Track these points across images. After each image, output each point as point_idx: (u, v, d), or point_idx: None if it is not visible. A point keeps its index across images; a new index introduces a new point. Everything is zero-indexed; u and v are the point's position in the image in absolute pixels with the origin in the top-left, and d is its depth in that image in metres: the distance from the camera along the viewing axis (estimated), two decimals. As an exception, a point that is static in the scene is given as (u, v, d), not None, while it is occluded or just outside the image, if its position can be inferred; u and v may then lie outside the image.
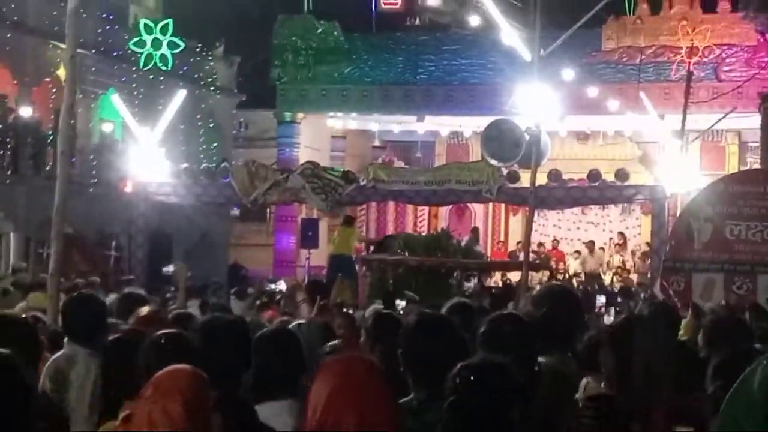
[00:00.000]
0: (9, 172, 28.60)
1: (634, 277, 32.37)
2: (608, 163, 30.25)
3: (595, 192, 27.18)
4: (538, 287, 14.10)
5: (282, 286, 25.44)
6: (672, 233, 16.10)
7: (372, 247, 28.83)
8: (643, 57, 32.49)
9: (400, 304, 13.72)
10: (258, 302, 16.69)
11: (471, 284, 22.21)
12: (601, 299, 20.11)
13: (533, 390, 5.00)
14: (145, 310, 8.10)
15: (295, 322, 7.45)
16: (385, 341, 5.94)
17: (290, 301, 13.47)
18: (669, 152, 28.04)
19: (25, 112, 29.28)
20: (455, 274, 20.93)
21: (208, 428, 3.71)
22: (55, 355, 6.59)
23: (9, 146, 28.88)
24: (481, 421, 4.06)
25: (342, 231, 27.88)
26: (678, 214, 20.92)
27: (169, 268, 25.11)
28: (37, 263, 28.29)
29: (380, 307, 10.23)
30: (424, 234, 32.49)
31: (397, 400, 3.74)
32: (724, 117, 29.74)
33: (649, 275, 30.38)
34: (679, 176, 26.90)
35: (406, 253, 19.99)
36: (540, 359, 5.40)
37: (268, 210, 36.54)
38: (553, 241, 36.26)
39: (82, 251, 26.55)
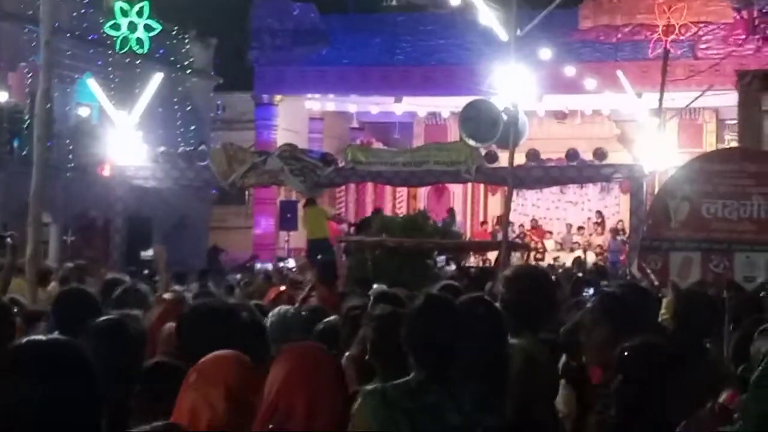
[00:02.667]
0: (-15, 158, 28.50)
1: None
2: (586, 142, 30.30)
3: (573, 171, 27.23)
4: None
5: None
6: (649, 212, 16.12)
7: (351, 227, 28.81)
8: (619, 36, 32.56)
9: (380, 288, 13.65)
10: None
11: (452, 266, 22.22)
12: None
13: (503, 372, 5.04)
14: (168, 295, 8.15)
15: (288, 308, 7.43)
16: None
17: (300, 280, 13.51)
18: (647, 131, 28.10)
19: (1, 96, 29.16)
20: (434, 255, 20.91)
21: (250, 413, 3.72)
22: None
23: (-15, 131, 28.79)
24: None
25: (308, 214, 27.72)
26: (655, 193, 20.99)
27: (148, 253, 25.08)
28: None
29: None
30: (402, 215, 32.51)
31: (348, 391, 3.77)
32: (701, 95, 29.84)
33: (617, 252, 30.59)
34: (657, 154, 26.98)
35: (384, 235, 19.94)
36: (511, 341, 5.42)
37: (246, 193, 36.48)
38: (531, 220, 36.33)
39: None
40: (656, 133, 27.46)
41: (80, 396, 2.89)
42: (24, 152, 27.75)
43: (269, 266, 27.31)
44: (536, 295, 5.77)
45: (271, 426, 3.64)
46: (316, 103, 36.90)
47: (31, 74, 29.15)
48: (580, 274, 20.02)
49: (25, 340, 3.01)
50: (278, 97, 35.45)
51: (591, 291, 14.11)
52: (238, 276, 21.77)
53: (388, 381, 4.69)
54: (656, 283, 12.87)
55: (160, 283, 9.00)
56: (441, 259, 21.74)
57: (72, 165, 30.85)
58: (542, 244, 34.67)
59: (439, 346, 4.73)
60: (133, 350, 4.71)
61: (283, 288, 11.12)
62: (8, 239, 10.02)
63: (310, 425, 3.55)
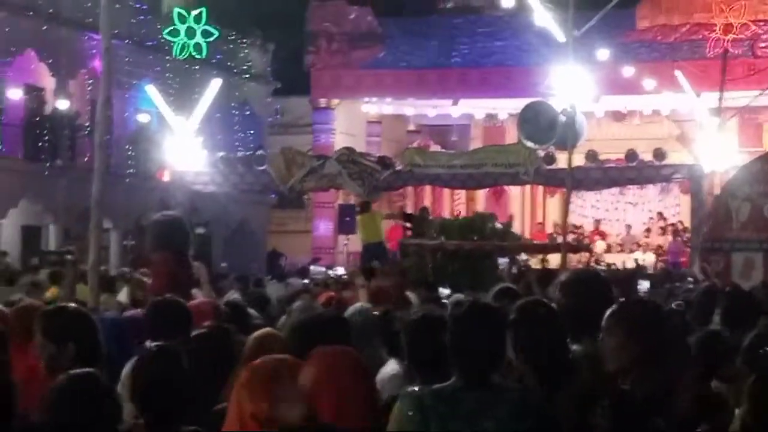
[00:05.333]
0: (47, 165, 28.77)
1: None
2: (645, 143, 30.08)
3: (632, 172, 27.08)
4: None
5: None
6: (710, 213, 16.01)
7: (408, 224, 28.74)
8: (677, 35, 32.33)
9: (443, 292, 13.63)
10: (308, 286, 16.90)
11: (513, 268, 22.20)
12: (644, 284, 19.96)
13: (564, 376, 5.00)
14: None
15: (351, 308, 7.45)
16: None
17: (350, 286, 13.53)
18: (706, 130, 27.89)
19: (62, 104, 29.44)
20: (493, 257, 20.89)
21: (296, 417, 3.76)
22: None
23: (47, 139, 29.07)
24: None
25: (363, 219, 27.64)
26: (716, 193, 20.82)
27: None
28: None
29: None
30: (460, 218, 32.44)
31: (377, 397, 3.80)
32: (761, 94, 29.52)
33: (677, 253, 30.32)
34: (717, 154, 26.76)
35: (443, 238, 19.95)
36: (572, 347, 5.38)
37: (305, 197, 36.56)
38: (594, 222, 36.12)
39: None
40: (716, 132, 27.25)
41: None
42: (85, 159, 28.01)
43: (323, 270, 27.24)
44: (593, 300, 5.68)
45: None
46: (374, 106, 36.92)
47: (91, 81, 29.43)
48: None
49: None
50: (335, 101, 35.53)
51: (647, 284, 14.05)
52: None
53: (427, 384, 4.70)
54: (718, 284, 12.76)
55: (203, 295, 9.05)
56: (502, 261, 21.68)
57: (132, 171, 31.08)
58: (603, 245, 34.44)
59: (479, 353, 4.70)
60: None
61: (332, 293, 11.14)
62: (68, 256, 10.15)
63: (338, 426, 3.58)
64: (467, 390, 4.60)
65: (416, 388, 4.64)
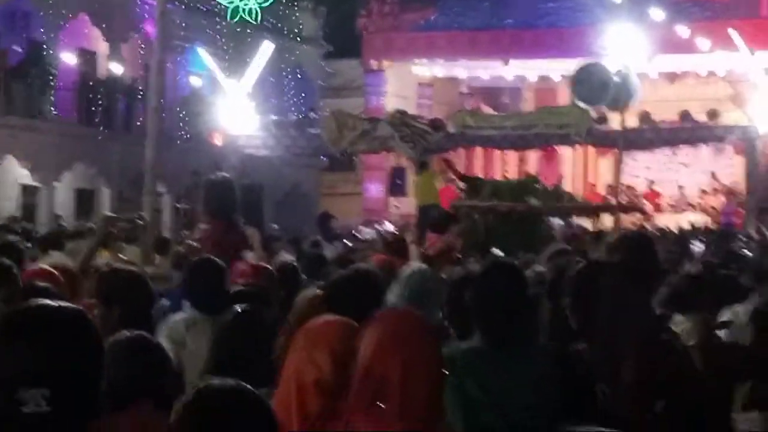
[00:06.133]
0: (101, 129, 28.98)
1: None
2: (699, 104, 29.82)
3: (685, 132, 26.89)
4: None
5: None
6: (766, 173, 15.89)
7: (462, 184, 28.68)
8: (732, -7, 31.96)
9: (496, 254, 13.60)
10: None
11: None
12: (698, 244, 19.84)
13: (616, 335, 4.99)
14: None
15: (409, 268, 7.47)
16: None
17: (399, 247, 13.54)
18: (761, 91, 27.59)
19: (115, 68, 29.60)
20: (546, 219, 20.83)
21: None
22: (174, 317, 6.70)
23: (100, 103, 29.26)
24: None
25: (419, 179, 27.60)
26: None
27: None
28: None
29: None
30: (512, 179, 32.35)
31: (442, 356, 3.80)
32: (817, 53, 29.18)
33: (731, 214, 30.07)
34: (773, 115, 26.51)
35: (495, 200, 19.91)
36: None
37: (356, 159, 36.61)
38: (649, 182, 35.89)
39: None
40: (771, 92, 26.97)
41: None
42: (138, 123, 28.18)
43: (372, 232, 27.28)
44: (641, 260, 5.67)
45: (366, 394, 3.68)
46: (425, 68, 36.82)
47: (143, 45, 29.56)
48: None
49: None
50: (387, 64, 35.47)
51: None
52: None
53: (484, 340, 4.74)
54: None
55: (255, 259, 9.11)
56: (555, 222, 21.62)
57: (184, 134, 31.23)
58: (656, 206, 34.23)
59: (501, 313, 4.73)
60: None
61: (383, 256, 11.12)
62: (138, 220, 10.30)
63: (405, 391, 3.57)
64: (493, 349, 4.64)
65: (447, 348, 4.66)
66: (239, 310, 5.31)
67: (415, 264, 8.00)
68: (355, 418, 3.64)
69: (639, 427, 4.49)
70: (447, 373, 3.72)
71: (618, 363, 4.63)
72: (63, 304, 3.16)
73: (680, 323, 6.32)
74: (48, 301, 3.13)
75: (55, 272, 6.87)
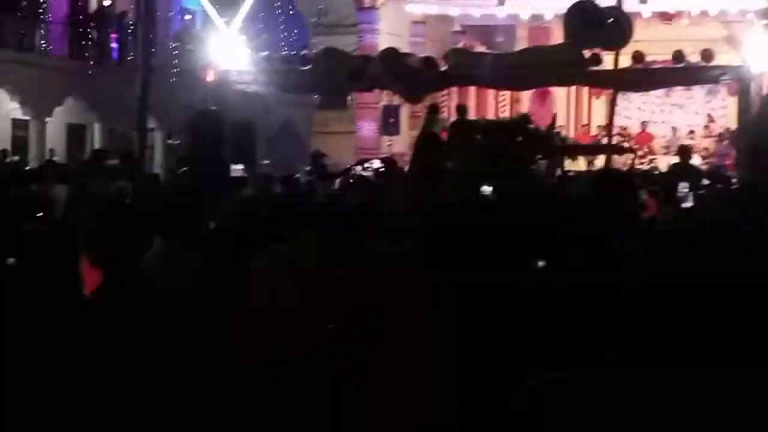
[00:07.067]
0: (92, 63, 28.83)
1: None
2: (693, 44, 29.63)
3: (679, 73, 26.75)
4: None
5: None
6: (758, 114, 15.86)
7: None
8: (727, -70, 31.76)
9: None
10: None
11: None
12: (683, 185, 19.83)
13: None
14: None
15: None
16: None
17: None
18: (755, 32, 27.46)
19: (107, 1, 29.44)
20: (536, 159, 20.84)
21: None
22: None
23: (91, 37, 29.09)
24: None
25: (427, 119, 27.61)
26: (764, 95, 20.62)
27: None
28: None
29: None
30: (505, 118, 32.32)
31: None
32: (813, -6, 29.03)
33: (723, 156, 30.10)
34: (766, 56, 26.38)
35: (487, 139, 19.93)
36: None
37: (349, 97, 36.47)
38: (642, 123, 35.87)
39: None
40: (765, 34, 26.82)
41: None
42: (129, 57, 28.04)
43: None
44: (618, 197, 5.71)
45: None
46: (418, 6, 36.59)
47: (135, -21, 29.38)
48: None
49: None
50: (380, 1, 35.24)
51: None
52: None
53: None
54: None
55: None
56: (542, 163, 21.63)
57: (176, 70, 31.08)
58: (648, 147, 34.25)
59: None
60: None
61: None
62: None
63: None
64: None
65: None
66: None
67: None
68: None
69: None
70: None
71: None
72: None
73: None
74: None
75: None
